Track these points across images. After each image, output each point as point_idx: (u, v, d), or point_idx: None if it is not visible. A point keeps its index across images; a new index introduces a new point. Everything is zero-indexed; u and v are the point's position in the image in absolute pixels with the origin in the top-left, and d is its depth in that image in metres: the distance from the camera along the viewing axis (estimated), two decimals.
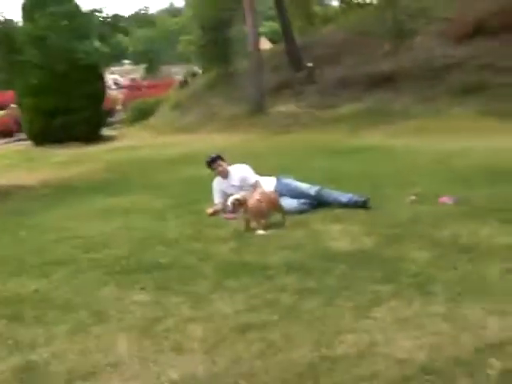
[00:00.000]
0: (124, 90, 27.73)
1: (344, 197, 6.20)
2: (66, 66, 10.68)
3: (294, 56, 16.52)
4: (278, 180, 6.55)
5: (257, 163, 9.77)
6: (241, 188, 6.34)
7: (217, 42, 17.71)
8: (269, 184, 6.46)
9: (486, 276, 3.86)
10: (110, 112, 20.67)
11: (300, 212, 6.09)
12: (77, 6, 11.24)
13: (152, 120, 18.41)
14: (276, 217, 5.79)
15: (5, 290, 4.39)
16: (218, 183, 6.49)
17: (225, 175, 6.42)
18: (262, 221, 5.55)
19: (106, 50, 9.97)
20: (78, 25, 9.32)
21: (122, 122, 19.76)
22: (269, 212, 5.71)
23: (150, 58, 38.43)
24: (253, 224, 5.55)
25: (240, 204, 5.50)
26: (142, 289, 4.17)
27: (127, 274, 4.51)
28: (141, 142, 15.04)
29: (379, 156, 9.61)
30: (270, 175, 6.71)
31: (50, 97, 14.79)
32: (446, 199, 6.11)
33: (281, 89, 15.82)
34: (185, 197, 7.54)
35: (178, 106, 18.17)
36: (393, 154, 9.61)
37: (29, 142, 16.06)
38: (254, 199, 5.57)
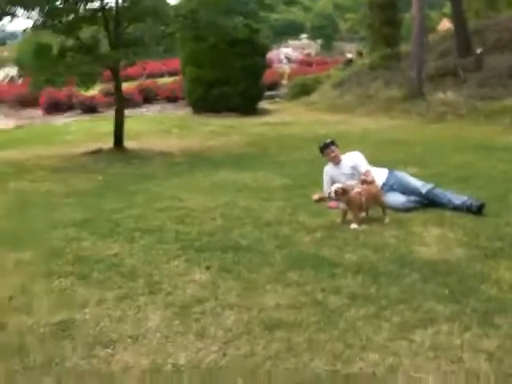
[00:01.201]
0: (294, 65, 27.99)
1: (458, 199, 5.69)
2: (217, 39, 10.98)
3: (462, 41, 15.36)
4: (389, 172, 6.20)
5: (391, 150, 9.53)
6: (351, 177, 6.09)
7: (385, 23, 17.10)
8: (380, 176, 6.13)
9: None
10: (273, 86, 21.01)
11: (406, 209, 5.72)
12: None
13: (312, 97, 18.37)
14: (379, 212, 5.48)
15: (89, 249, 4.70)
16: (328, 170, 6.29)
17: (337, 162, 6.19)
18: (359, 214, 5.30)
19: (255, 25, 10.09)
20: (225, 1, 9.55)
21: (284, 96, 19.95)
22: (368, 206, 5.44)
23: (326, 34, 38.29)
24: (349, 216, 5.33)
25: (343, 193, 5.29)
26: (207, 268, 4.22)
27: (202, 251, 4.59)
28: (294, 118, 15.10)
29: None
30: (385, 167, 6.35)
31: (210, 68, 15.37)
32: None
33: (444, 75, 14.86)
34: (305, 178, 7.41)
35: (339, 85, 17.90)
36: None
37: (189, 110, 16.88)
38: (354, 191, 5.33)
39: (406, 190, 5.98)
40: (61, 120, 16.95)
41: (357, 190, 5.37)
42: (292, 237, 4.94)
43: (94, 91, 20.00)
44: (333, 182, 6.22)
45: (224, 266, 4.24)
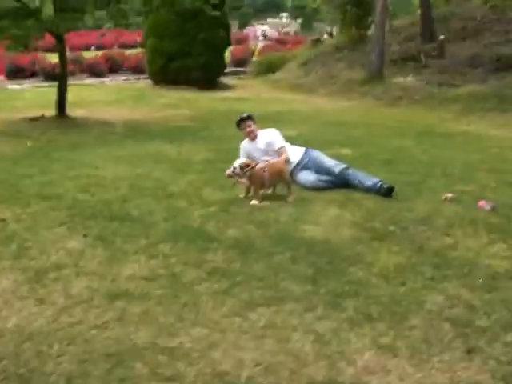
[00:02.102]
0: (270, 43, 27.72)
1: (369, 180, 5.67)
2: (178, 10, 10.72)
3: (427, 27, 15.28)
4: (305, 151, 6.14)
5: (333, 131, 9.49)
6: (266, 153, 6.03)
7: (354, 4, 16.93)
8: (295, 153, 6.09)
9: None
10: (242, 61, 20.81)
11: (315, 188, 5.71)
12: None
13: (277, 75, 18.20)
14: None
15: None
16: (244, 145, 6.23)
17: (252, 138, 6.12)
18: (260, 190, 5.24)
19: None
20: None
21: (250, 73, 19.75)
22: (272, 182, 5.39)
23: (305, 14, 37.95)
24: (251, 192, 5.27)
25: (247, 168, 5.21)
26: (84, 236, 4.19)
27: (88, 220, 4.53)
28: (252, 95, 14.95)
29: (469, 144, 8.60)
30: (312, 146, 6.33)
31: (171, 40, 15.13)
32: (484, 204, 5.31)
33: (406, 60, 14.78)
34: (229, 154, 7.30)
35: (304, 65, 17.75)
36: (483, 144, 8.57)
37: (149, 81, 16.65)
38: (257, 166, 5.27)
39: (320, 169, 5.96)
40: (20, 86, 16.64)
41: (260, 165, 5.31)
42: (185, 210, 4.90)
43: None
44: (248, 157, 6.16)
45: (102, 235, 4.20)
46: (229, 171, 5.69)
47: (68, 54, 20.76)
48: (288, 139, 8.39)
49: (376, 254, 3.99)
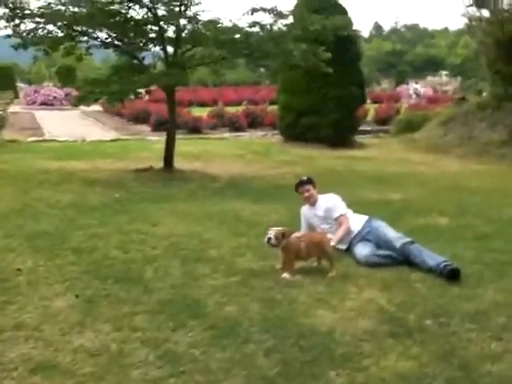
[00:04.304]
0: (422, 101, 26.68)
1: (434, 259, 4.87)
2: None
3: None
4: (368, 220, 5.50)
5: (443, 197, 8.52)
6: (325, 220, 5.54)
7: (502, 60, 15.59)
8: (356, 222, 5.48)
9: None
10: (387, 120, 20.11)
11: (369, 263, 5.00)
12: None
13: (417, 134, 17.24)
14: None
15: None
16: (304, 211, 5.77)
17: (312, 203, 5.63)
18: (293, 262, 4.70)
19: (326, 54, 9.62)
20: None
21: (391, 131, 18.98)
22: (309, 254, 4.82)
23: (465, 72, 36.07)
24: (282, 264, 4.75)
25: (282, 237, 4.71)
26: (77, 296, 4.06)
27: (97, 278, 4.47)
28: (380, 155, 14.22)
29: None
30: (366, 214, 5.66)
31: (302, 96, 15.03)
32: None
33: None
34: None
35: (443, 124, 16.61)
36: None
37: (280, 137, 16.64)
38: (293, 235, 4.75)
39: (381, 242, 5.30)
40: (158, 137, 17.55)
41: (296, 234, 4.78)
42: (201, 278, 4.56)
43: (203, 113, 20.74)
44: (308, 224, 5.67)
45: (93, 296, 3.94)
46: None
47: (213, 108, 21.91)
48: (384, 203, 7.75)
49: (382, 355, 3.27)
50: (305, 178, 5.71)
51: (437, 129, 16.71)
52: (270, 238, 4.69)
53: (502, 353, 3.35)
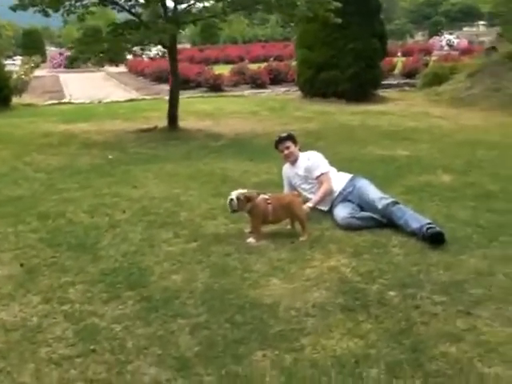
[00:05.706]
0: (455, 53, 25.45)
1: (417, 221, 4.47)
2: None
3: None
4: (351, 179, 5.10)
5: (458, 152, 8.00)
6: (306, 180, 5.21)
7: None
8: (339, 181, 5.10)
9: None
10: (414, 73, 19.27)
11: (348, 227, 4.66)
12: None
13: (442, 87, 16.45)
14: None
15: None
16: (285, 170, 5.44)
17: (292, 161, 5.28)
18: (260, 226, 4.40)
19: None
20: None
21: (417, 85, 18.18)
22: (278, 217, 4.49)
23: (504, 21, 34.04)
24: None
25: (247, 201, 4.40)
26: (21, 265, 3.90)
27: (51, 246, 4.30)
28: (400, 109, 13.54)
29: None
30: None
31: (319, 50, 14.44)
32: None
33: None
34: None
35: (471, 76, 15.75)
36: None
37: (299, 93, 16.11)
38: (259, 197, 4.43)
39: (363, 203, 4.92)
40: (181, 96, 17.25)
41: (263, 196, 4.45)
42: (157, 245, 4.30)
43: (224, 70, 20.27)
44: (290, 184, 5.34)
45: (37, 265, 3.74)
46: None
47: (234, 65, 21.40)
48: (389, 159, 7.32)
49: (325, 333, 2.96)
50: (284, 134, 5.36)
51: (463, 81, 15.89)
52: (231, 201, 4.37)
53: (466, 331, 2.99)
